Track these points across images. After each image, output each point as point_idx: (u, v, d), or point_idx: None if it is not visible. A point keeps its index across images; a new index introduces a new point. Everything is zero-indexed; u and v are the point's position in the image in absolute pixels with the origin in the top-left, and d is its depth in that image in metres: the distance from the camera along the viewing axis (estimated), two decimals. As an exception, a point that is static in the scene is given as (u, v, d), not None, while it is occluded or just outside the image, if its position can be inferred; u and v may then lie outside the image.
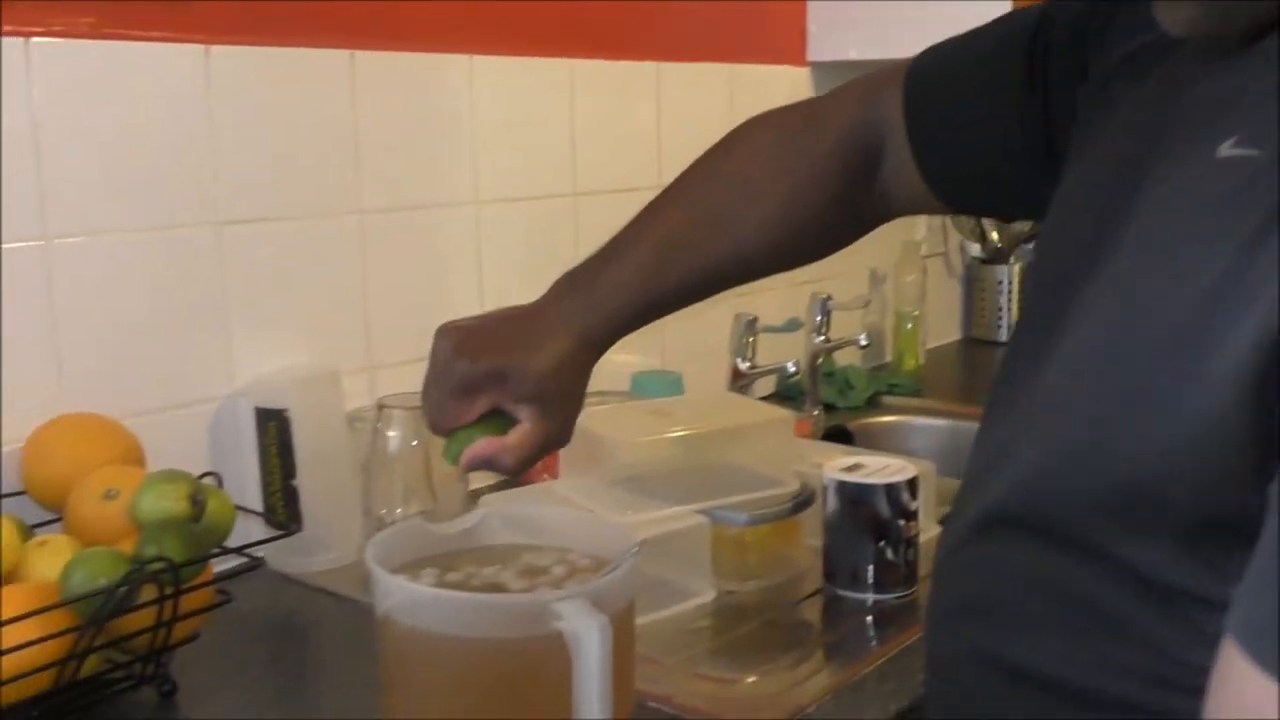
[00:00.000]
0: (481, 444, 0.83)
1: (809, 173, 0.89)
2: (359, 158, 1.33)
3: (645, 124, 1.68)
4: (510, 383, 0.83)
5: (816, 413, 1.77)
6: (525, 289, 1.52)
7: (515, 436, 0.84)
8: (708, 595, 1.16)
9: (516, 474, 0.84)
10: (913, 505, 1.15)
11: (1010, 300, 2.35)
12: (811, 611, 1.17)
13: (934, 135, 0.85)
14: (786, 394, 1.86)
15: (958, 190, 0.87)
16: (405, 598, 0.82)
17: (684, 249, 0.88)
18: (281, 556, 1.21)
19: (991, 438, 0.68)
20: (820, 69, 1.92)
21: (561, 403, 0.85)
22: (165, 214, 1.17)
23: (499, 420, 0.85)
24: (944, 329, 2.38)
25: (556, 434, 0.85)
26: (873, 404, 1.94)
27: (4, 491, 1.05)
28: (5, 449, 1.07)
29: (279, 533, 1.12)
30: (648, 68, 1.68)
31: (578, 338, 0.86)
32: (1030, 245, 2.33)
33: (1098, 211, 0.63)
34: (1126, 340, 0.56)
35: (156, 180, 1.16)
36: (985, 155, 0.83)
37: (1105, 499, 0.55)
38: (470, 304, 1.48)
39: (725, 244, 0.89)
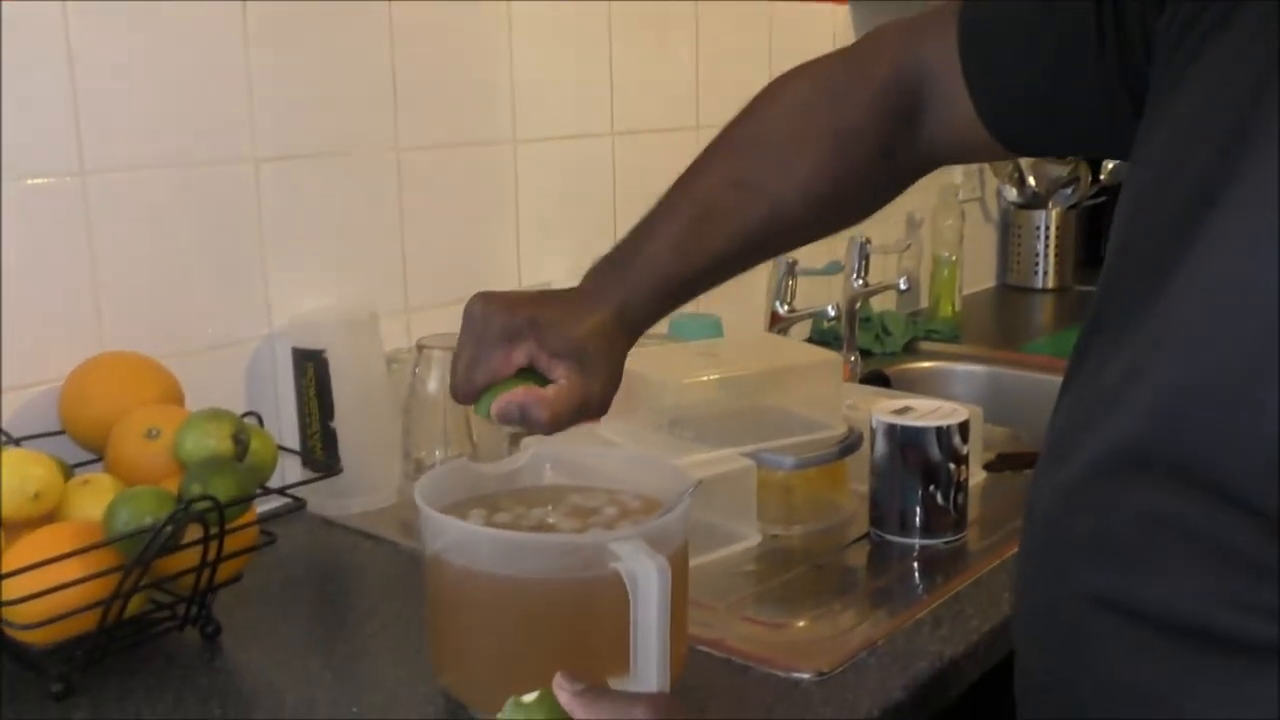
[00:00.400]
0: (518, 390, 0.79)
1: (848, 127, 0.85)
2: (397, 95, 1.30)
3: (683, 64, 1.65)
4: (549, 334, 0.79)
5: (854, 358, 1.75)
6: (562, 230, 1.52)
7: (552, 390, 0.79)
8: (753, 539, 1.15)
9: (549, 432, 0.80)
10: (964, 449, 1.12)
11: (1048, 246, 2.31)
12: (858, 557, 1.15)
13: (994, 76, 0.81)
14: (822, 340, 1.84)
15: (1022, 131, 0.83)
16: (459, 538, 0.80)
17: (719, 217, 0.84)
18: (320, 500, 1.19)
19: (1104, 372, 0.64)
20: (860, 7, 1.87)
21: (600, 366, 0.80)
22: (203, 150, 1.15)
23: (531, 377, 0.82)
24: (980, 275, 2.35)
25: (596, 398, 0.81)
26: (909, 350, 1.91)
27: (42, 432, 1.03)
28: (43, 388, 1.06)
29: (319, 474, 1.11)
30: (686, 7, 1.64)
31: (615, 316, 0.82)
32: (1069, 190, 2.30)
33: (1218, 140, 0.60)
34: None
35: (194, 116, 1.14)
36: (1052, 92, 0.79)
37: (1255, 444, 0.53)
38: (507, 245, 1.45)
39: (762, 209, 0.85)
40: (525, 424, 0.79)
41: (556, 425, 0.80)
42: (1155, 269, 0.61)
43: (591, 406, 0.81)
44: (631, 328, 0.84)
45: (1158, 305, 0.60)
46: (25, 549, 0.85)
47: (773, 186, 0.85)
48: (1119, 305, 0.65)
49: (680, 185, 0.87)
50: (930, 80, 0.84)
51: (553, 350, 0.80)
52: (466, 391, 0.81)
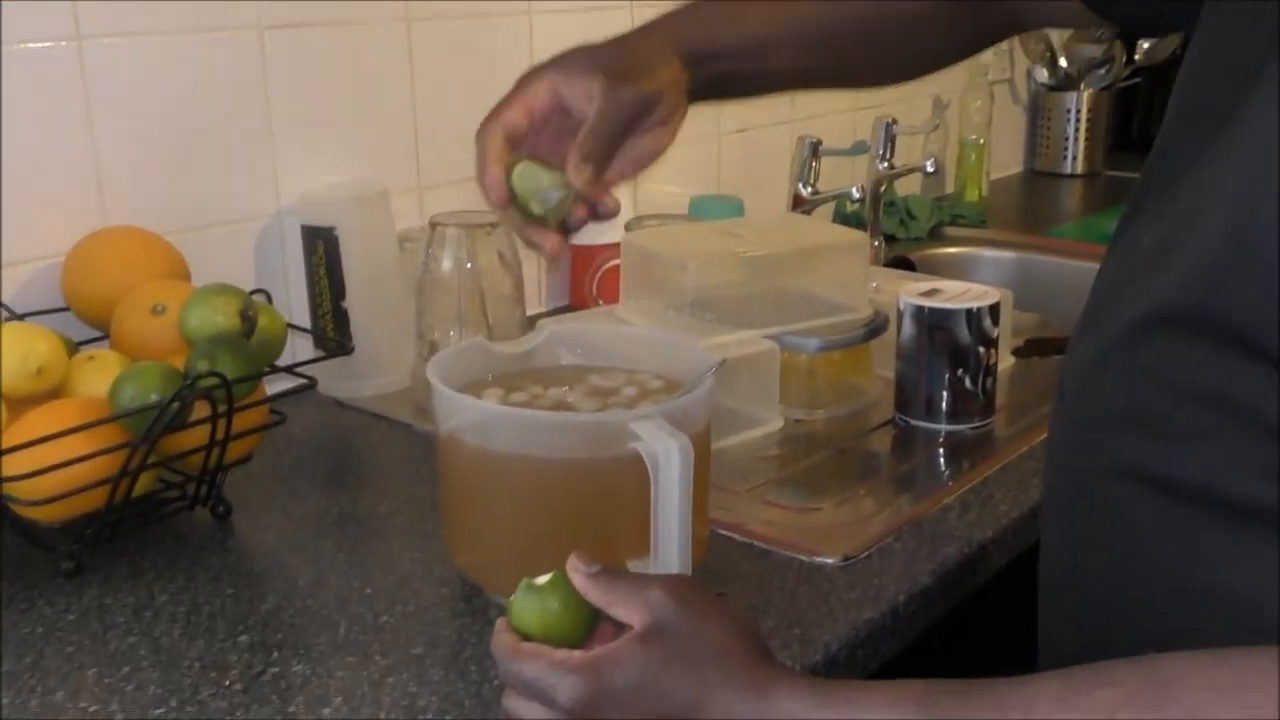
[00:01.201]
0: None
1: None
2: (406, -41, 1.24)
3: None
4: (576, 53, 0.80)
5: (878, 243, 1.70)
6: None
7: (594, 106, 0.77)
8: (776, 424, 1.12)
9: (609, 151, 0.78)
10: (994, 332, 1.09)
11: (1078, 129, 2.24)
12: (882, 442, 1.12)
13: None
14: (845, 224, 1.79)
15: (1126, 23, 0.80)
16: (475, 416, 0.78)
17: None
18: (332, 381, 1.17)
19: (1145, 238, 0.61)
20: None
21: (638, 67, 0.80)
22: (204, 16, 1.10)
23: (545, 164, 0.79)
24: (1007, 160, 2.29)
25: (633, 99, 0.79)
26: (934, 235, 1.87)
27: (46, 308, 1.01)
28: (45, 263, 1.03)
29: (331, 354, 1.08)
30: None
31: (664, 34, 0.83)
32: (1103, 71, 2.22)
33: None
34: None
35: (193, -22, 1.09)
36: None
37: None
38: (522, 122, 1.40)
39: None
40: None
41: (599, 137, 0.77)
42: (1205, 137, 0.58)
43: (629, 105, 0.78)
44: (676, 44, 0.82)
45: (1205, 172, 0.57)
46: (29, 425, 0.82)
47: None
48: (1167, 172, 0.62)
49: None
50: None
51: (575, 69, 0.79)
52: (482, 127, 0.80)
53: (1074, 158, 2.27)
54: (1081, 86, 2.22)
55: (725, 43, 0.84)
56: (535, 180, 0.78)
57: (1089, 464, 0.62)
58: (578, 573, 0.63)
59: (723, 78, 0.85)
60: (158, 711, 0.70)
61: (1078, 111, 2.23)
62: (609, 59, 0.79)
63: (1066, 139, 2.26)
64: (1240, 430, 0.53)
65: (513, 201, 0.79)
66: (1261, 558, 0.53)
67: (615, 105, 0.78)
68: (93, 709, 0.71)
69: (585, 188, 0.77)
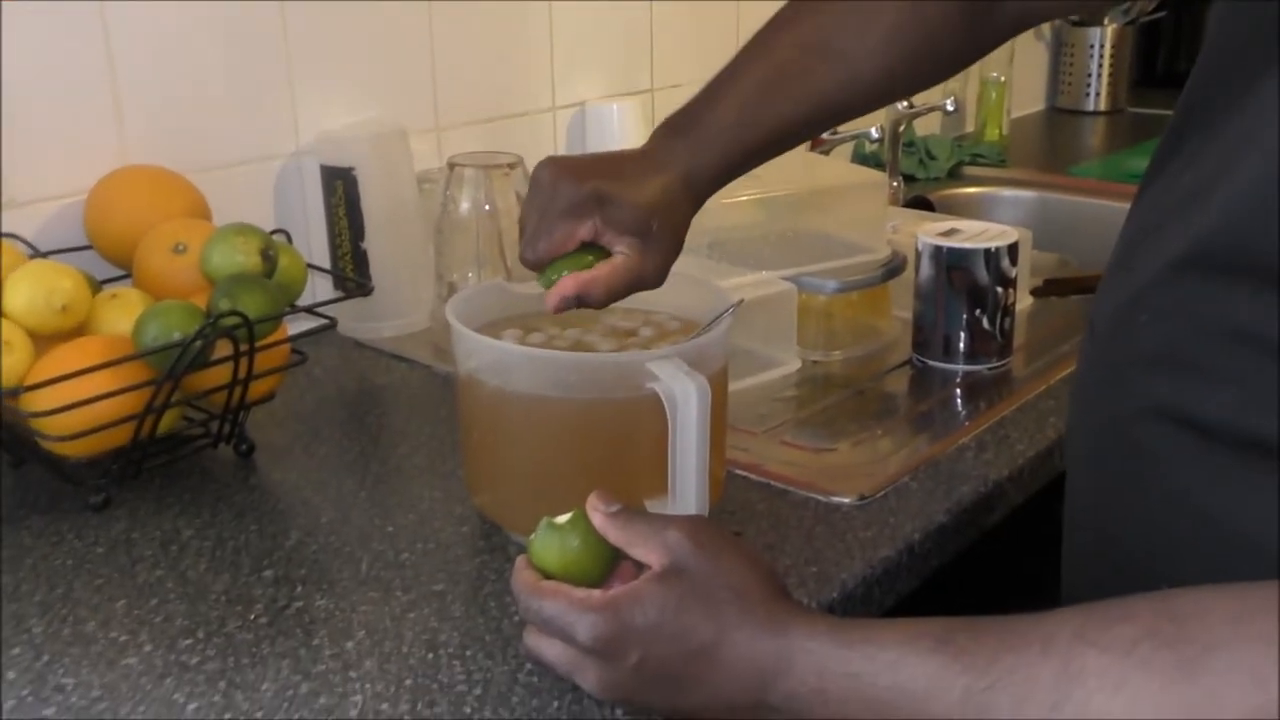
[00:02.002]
0: (568, 280, 0.77)
1: (931, 26, 0.82)
2: (422, -104, 1.23)
3: None
4: (613, 209, 0.78)
5: (896, 183, 1.70)
6: (597, 48, 1.46)
7: (605, 269, 0.78)
8: (793, 365, 1.12)
9: (604, 305, 0.79)
10: (1012, 272, 1.09)
11: (1101, 65, 2.21)
12: (899, 383, 1.13)
13: None
14: (864, 164, 1.78)
15: None
16: (493, 357, 0.78)
17: (790, 80, 0.81)
18: (351, 322, 1.18)
19: (1185, 176, 0.61)
20: None
21: (663, 238, 0.79)
22: (221, -47, 1.09)
23: (593, 252, 0.79)
24: (1028, 98, 2.26)
25: (651, 273, 0.79)
26: (954, 175, 1.86)
27: (68, 246, 1.01)
28: (68, 201, 1.03)
29: (351, 294, 1.08)
30: None
31: (680, 183, 0.80)
32: (1128, 3, 2.19)
33: None
34: None
35: (210, -84, 1.08)
36: None
37: None
38: (540, 62, 1.40)
39: (836, 72, 0.82)
40: (582, 304, 0.78)
41: (612, 299, 0.79)
42: (1249, 72, 0.57)
43: (648, 278, 0.80)
44: (696, 194, 0.82)
45: (1248, 111, 0.56)
46: (53, 362, 0.83)
47: (847, 48, 0.82)
48: (1208, 109, 0.61)
49: (749, 50, 0.83)
50: None
51: (617, 225, 0.78)
52: (530, 261, 0.79)
53: (1097, 94, 2.25)
54: (1105, 21, 2.19)
55: (754, 155, 0.83)
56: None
57: (1119, 404, 0.61)
58: (597, 512, 0.64)
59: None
60: (185, 642, 0.72)
61: (1101, 46, 2.21)
62: (654, 232, 0.78)
63: (1089, 75, 2.24)
64: (1272, 372, 0.53)
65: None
66: None
67: (640, 278, 0.79)
68: (123, 639, 0.72)
69: (553, 310, 0.78)
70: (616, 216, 0.78)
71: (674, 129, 0.82)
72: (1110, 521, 0.64)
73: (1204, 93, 0.63)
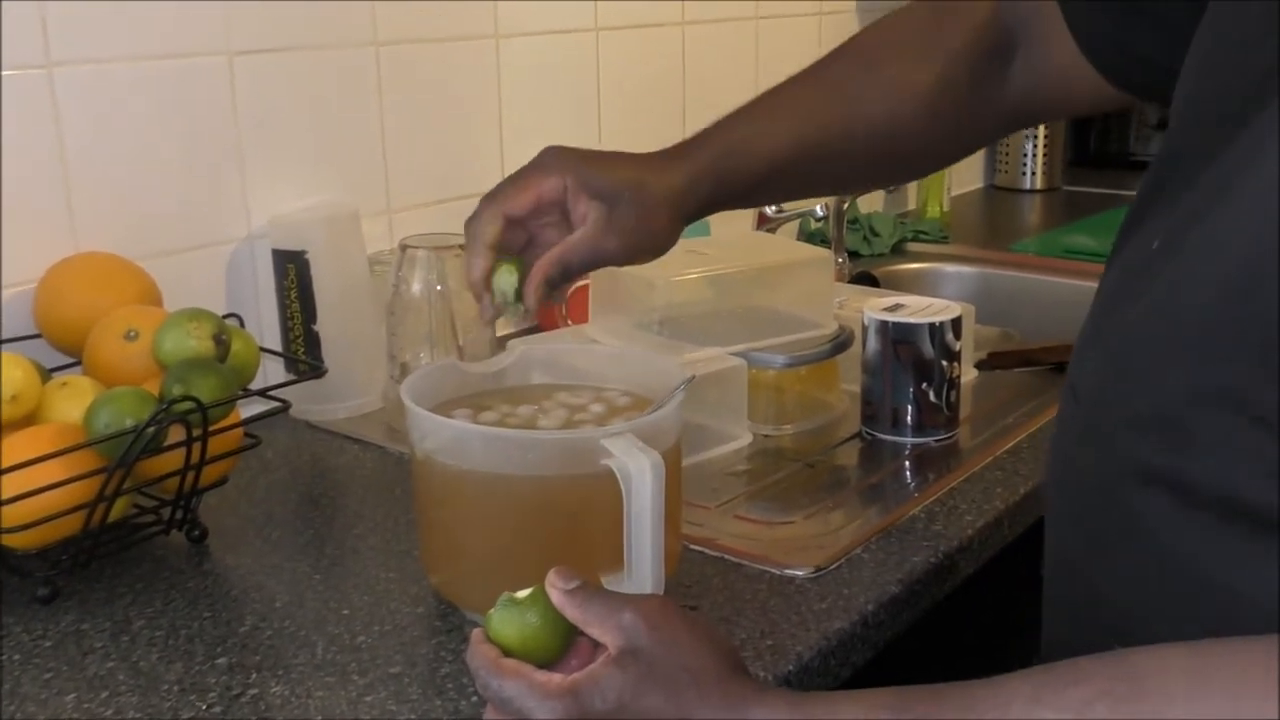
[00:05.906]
0: (536, 270, 0.80)
1: (945, 46, 0.88)
2: (373, -14, 1.26)
3: (668, -45, 1.60)
4: (590, 168, 0.82)
5: (841, 260, 1.73)
6: (547, 127, 1.49)
7: (563, 243, 0.81)
8: (745, 439, 1.13)
9: (561, 279, 0.81)
10: (957, 346, 1.11)
11: (1037, 147, 2.28)
12: (850, 455, 1.14)
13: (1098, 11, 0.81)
14: (809, 242, 1.81)
15: (1132, 72, 0.82)
16: (450, 436, 0.79)
17: (791, 111, 0.88)
18: (305, 404, 1.18)
19: (1156, 242, 0.61)
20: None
21: (627, 219, 0.82)
22: (174, 42, 1.10)
23: (517, 261, 0.83)
24: (967, 177, 2.32)
25: (613, 249, 0.82)
26: (897, 251, 1.89)
27: (18, 335, 1.01)
28: (17, 290, 1.03)
29: (303, 377, 1.09)
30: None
31: (665, 183, 0.84)
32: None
33: None
34: None
35: (164, 6, 1.09)
36: (1163, 28, 0.76)
37: None
38: (490, 143, 1.42)
39: (838, 105, 0.88)
40: (562, 282, 0.82)
41: (566, 271, 0.81)
42: (1219, 139, 0.58)
43: (608, 251, 0.82)
44: (680, 202, 0.84)
45: (1214, 172, 0.57)
46: (4, 452, 0.83)
47: (854, 87, 0.88)
48: (1179, 177, 0.62)
49: (776, 88, 0.90)
50: (1025, 25, 0.86)
51: (588, 188, 0.81)
52: (485, 203, 0.82)
53: (1033, 173, 2.31)
54: (1039, 103, 2.26)
55: (745, 182, 0.87)
56: (509, 283, 0.82)
57: (1104, 465, 0.61)
58: (556, 589, 0.64)
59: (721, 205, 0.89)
60: (138, 734, 0.71)
61: (1036, 128, 2.27)
62: (624, 203, 0.82)
63: (1025, 155, 2.30)
64: (1258, 437, 0.52)
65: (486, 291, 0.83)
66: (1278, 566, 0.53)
67: (596, 250, 0.82)
68: (73, 733, 0.71)
69: (534, 307, 0.82)
70: (587, 178, 0.81)
71: (679, 144, 0.87)
72: (1096, 582, 0.64)
73: (1176, 162, 0.64)
